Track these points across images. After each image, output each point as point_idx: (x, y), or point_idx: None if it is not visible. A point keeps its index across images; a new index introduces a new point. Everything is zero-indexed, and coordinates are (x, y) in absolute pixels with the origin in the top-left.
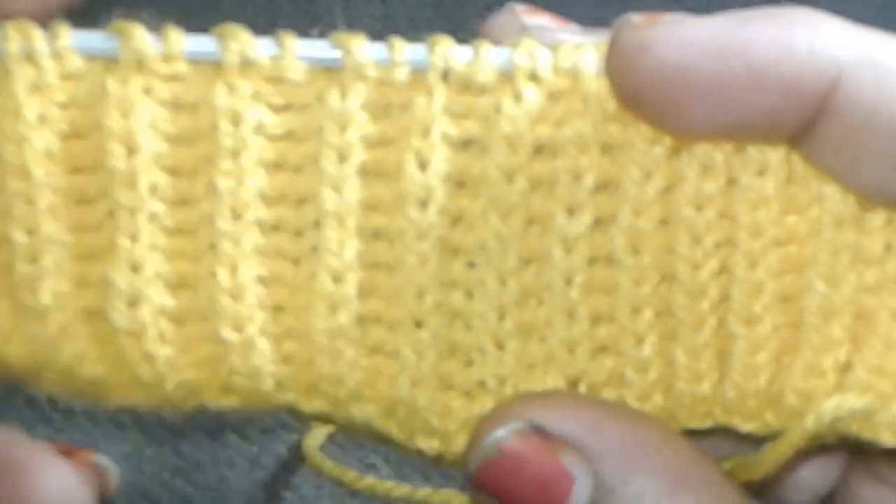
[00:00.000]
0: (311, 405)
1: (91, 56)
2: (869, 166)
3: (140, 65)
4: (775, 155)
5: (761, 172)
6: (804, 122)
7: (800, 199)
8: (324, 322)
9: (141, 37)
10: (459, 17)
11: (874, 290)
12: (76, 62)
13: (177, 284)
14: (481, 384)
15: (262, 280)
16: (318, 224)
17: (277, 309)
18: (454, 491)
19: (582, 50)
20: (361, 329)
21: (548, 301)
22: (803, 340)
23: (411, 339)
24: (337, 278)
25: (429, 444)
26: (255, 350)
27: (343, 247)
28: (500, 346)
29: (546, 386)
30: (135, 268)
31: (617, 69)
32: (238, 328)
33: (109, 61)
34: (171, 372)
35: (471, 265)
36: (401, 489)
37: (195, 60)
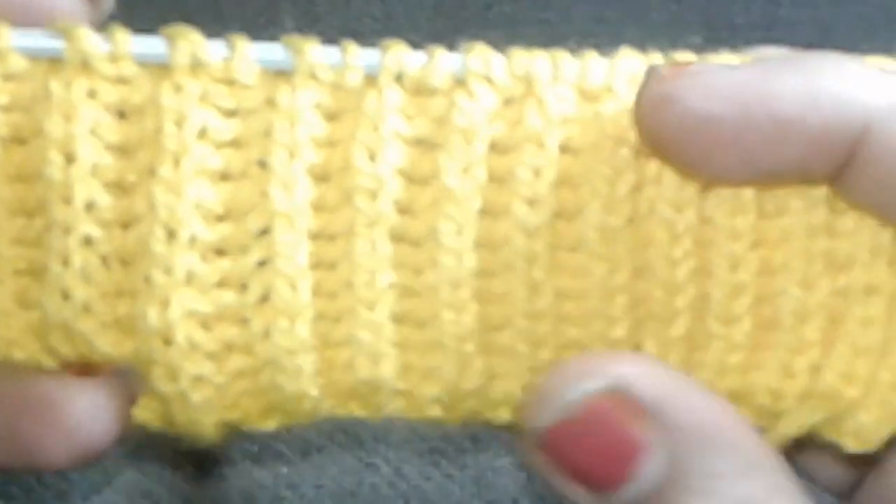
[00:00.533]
0: (268, 425)
1: (36, 56)
2: None
3: (85, 66)
4: None
5: None
6: (834, 170)
7: (768, 205)
8: (284, 338)
9: (86, 37)
10: (459, 17)
11: (845, 294)
12: (19, 62)
13: (113, 322)
14: (439, 342)
15: (202, 315)
16: (267, 231)
17: (228, 348)
18: None
19: (535, 56)
20: (317, 333)
21: (508, 278)
22: (777, 341)
23: (364, 321)
24: (293, 286)
25: (395, 408)
26: (191, 403)
27: (296, 250)
28: (458, 311)
29: (506, 343)
30: (65, 295)
31: (644, 120)
32: (172, 378)
33: (54, 62)
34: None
35: (420, 246)
36: None
37: (144, 63)
